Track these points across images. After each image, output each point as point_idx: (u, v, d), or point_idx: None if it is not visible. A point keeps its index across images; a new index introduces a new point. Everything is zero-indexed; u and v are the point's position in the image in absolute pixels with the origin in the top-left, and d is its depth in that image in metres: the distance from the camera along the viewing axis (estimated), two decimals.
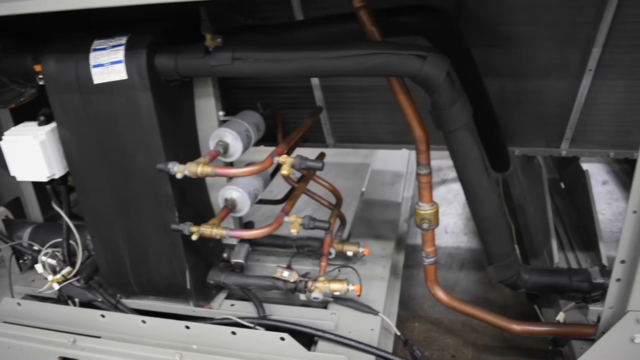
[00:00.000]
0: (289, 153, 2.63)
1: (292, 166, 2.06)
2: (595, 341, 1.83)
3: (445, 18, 2.16)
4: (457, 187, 4.06)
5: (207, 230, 2.12)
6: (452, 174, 4.21)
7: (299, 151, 2.37)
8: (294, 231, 2.16)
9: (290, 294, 2.37)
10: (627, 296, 1.71)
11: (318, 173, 2.52)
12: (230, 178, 2.29)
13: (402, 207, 3.33)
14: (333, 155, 4.09)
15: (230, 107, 2.41)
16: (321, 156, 2.65)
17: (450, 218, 3.50)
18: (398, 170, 3.66)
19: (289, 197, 2.38)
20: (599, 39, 2.31)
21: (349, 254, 2.58)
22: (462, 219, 3.65)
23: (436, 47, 2.21)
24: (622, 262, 1.70)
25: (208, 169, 2.03)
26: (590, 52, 2.37)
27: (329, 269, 2.49)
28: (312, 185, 2.62)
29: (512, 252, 2.24)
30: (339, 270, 2.59)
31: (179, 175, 2.02)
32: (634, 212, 1.61)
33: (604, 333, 1.81)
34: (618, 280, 1.74)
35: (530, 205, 3.18)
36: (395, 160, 3.79)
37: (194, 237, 2.11)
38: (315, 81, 2.72)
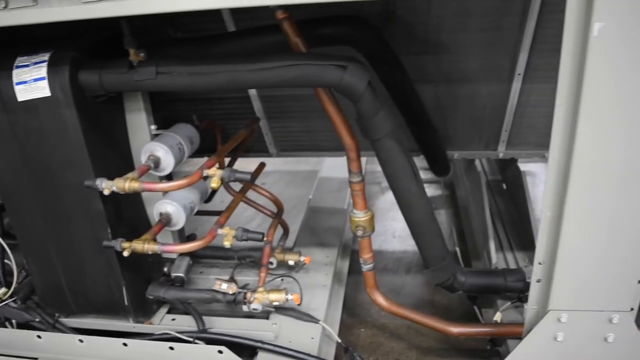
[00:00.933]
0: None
1: (222, 179, 2.06)
2: (521, 341, 1.87)
3: (371, 27, 2.19)
4: None
5: (139, 245, 2.10)
6: None
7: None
8: (227, 243, 2.16)
9: (235, 306, 2.36)
10: (547, 296, 1.75)
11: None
12: (165, 192, 2.28)
13: (348, 213, 3.34)
14: (285, 163, 4.13)
15: (171, 119, 2.40)
16: (260, 166, 2.65)
17: (398, 223, 3.53)
18: (345, 177, 3.66)
19: (225, 209, 2.36)
20: (525, 44, 2.37)
21: (291, 263, 2.59)
22: None
23: (365, 56, 2.26)
24: (540, 263, 1.74)
25: (136, 185, 2.01)
26: (518, 56, 2.43)
27: (270, 279, 2.49)
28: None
29: (446, 256, 2.27)
30: (282, 280, 2.59)
31: (106, 192, 2.00)
32: (549, 214, 1.65)
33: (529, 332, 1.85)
34: (538, 281, 1.78)
35: (472, 207, 3.23)
36: (343, 167, 3.80)
37: (126, 254, 2.09)
38: (253, 91, 2.72)
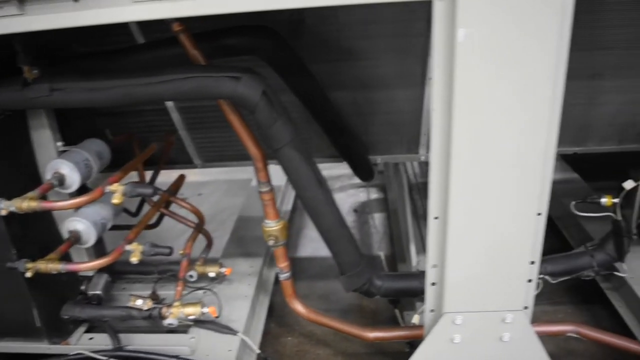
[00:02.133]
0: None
1: (124, 194, 2.03)
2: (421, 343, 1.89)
3: (275, 37, 2.19)
4: (339, 196, 4.13)
5: (43, 265, 2.06)
6: (338, 183, 4.29)
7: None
8: (134, 259, 2.13)
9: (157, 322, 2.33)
10: (442, 299, 1.78)
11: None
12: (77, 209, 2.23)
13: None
14: (224, 172, 4.10)
15: (90, 133, 2.36)
16: (180, 179, 2.62)
17: None
18: (276, 185, 3.67)
19: (136, 224, 2.33)
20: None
21: (211, 275, 2.57)
22: None
23: (271, 65, 2.26)
24: (434, 266, 1.77)
25: (34, 204, 1.97)
26: (427, 61, 2.46)
27: (187, 292, 2.47)
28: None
29: (360, 261, 2.28)
30: (204, 293, 2.57)
31: (3, 212, 1.96)
32: (435, 218, 1.68)
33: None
34: (433, 284, 1.80)
35: (400, 210, 3.26)
36: (275, 174, 3.80)
37: (29, 274, 2.05)
38: (170, 103, 2.70)
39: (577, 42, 2.40)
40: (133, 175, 2.35)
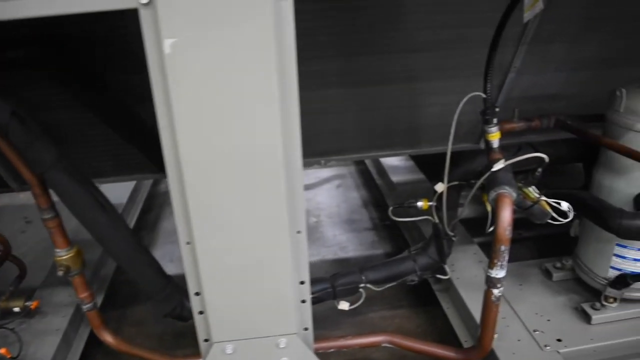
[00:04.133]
0: None
1: None
2: None
3: (60, 50, 2.02)
4: None
5: None
6: None
7: None
8: None
9: None
10: (209, 328, 1.66)
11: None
12: None
13: None
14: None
15: None
16: None
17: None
18: (121, 203, 3.50)
19: None
20: None
21: (16, 310, 2.36)
22: None
23: (58, 80, 2.09)
24: (197, 294, 1.65)
25: None
26: None
27: None
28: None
29: (166, 285, 2.14)
30: (13, 330, 2.36)
31: None
32: (187, 243, 1.56)
33: None
34: (201, 313, 1.68)
35: None
36: (121, 191, 3.64)
37: None
38: None
39: (389, 44, 2.40)
40: None
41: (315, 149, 2.80)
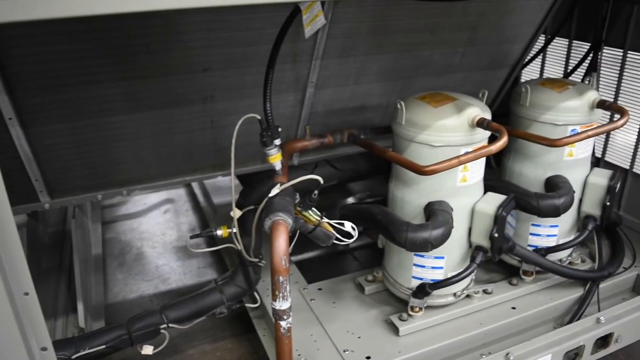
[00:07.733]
0: None
1: None
2: None
3: None
4: None
5: None
6: None
7: None
8: None
9: None
10: None
11: None
12: None
13: None
14: None
15: None
16: None
17: None
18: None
19: None
20: None
21: None
22: None
23: None
24: None
25: None
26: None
27: None
28: None
29: None
30: None
31: None
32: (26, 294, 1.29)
33: None
34: None
35: None
36: None
37: None
38: None
39: (174, 65, 2.26)
40: None
41: (114, 178, 2.58)
